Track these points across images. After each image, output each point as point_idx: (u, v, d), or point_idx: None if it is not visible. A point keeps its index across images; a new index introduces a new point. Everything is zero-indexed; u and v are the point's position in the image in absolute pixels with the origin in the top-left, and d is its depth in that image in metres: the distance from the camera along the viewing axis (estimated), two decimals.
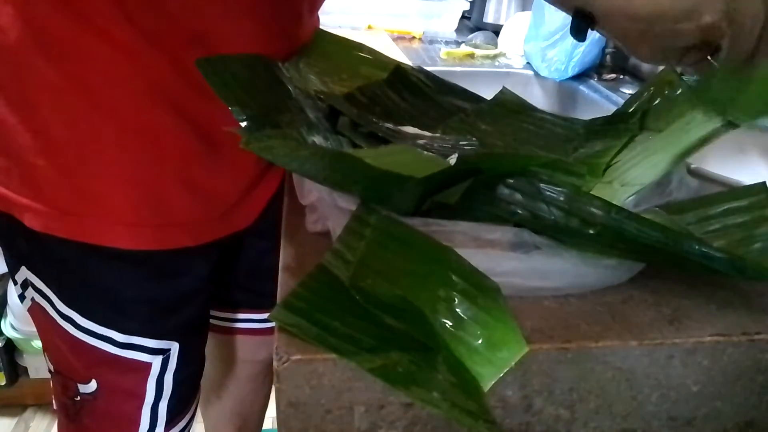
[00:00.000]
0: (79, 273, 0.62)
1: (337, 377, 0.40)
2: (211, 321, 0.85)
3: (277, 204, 0.69)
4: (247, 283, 0.82)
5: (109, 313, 0.64)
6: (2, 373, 1.45)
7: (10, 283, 1.21)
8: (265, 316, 0.85)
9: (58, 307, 0.63)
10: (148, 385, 0.67)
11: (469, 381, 0.37)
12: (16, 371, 1.48)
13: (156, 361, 0.67)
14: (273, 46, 0.60)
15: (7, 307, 1.43)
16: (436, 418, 0.43)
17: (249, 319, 0.85)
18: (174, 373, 0.69)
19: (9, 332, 1.41)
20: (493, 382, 0.37)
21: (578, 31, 0.53)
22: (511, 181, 0.45)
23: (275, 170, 0.68)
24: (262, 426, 1.04)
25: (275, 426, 0.43)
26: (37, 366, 1.44)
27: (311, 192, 0.51)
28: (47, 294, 0.63)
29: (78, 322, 0.63)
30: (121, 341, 0.64)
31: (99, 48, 0.52)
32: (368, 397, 0.41)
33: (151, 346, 0.66)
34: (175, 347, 0.68)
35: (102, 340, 0.64)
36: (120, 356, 0.65)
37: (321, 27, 0.70)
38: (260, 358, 0.91)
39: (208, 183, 0.62)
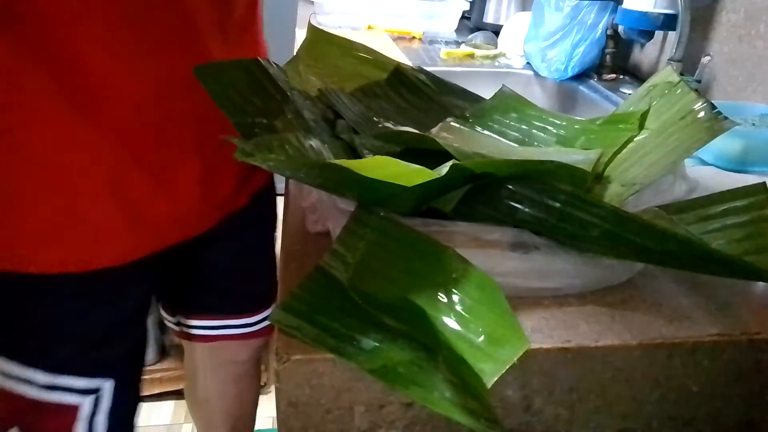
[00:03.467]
0: None
1: (337, 377, 0.40)
2: (189, 330, 0.82)
3: (240, 209, 0.67)
4: (221, 288, 0.79)
5: (30, 350, 0.57)
6: None
7: None
8: (241, 321, 0.82)
9: None
10: (75, 429, 0.60)
11: (470, 380, 0.37)
12: None
13: (86, 402, 0.60)
14: (186, 52, 0.55)
15: None
16: (436, 418, 0.43)
17: (227, 326, 0.82)
18: (108, 413, 0.61)
19: None
20: (495, 379, 0.37)
21: None
22: (510, 186, 0.45)
23: (222, 186, 0.64)
24: (254, 424, 1.03)
25: (275, 426, 0.43)
26: None
27: (311, 193, 0.51)
28: None
29: None
30: (43, 383, 0.57)
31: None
32: (368, 397, 0.41)
33: (79, 385, 0.59)
34: (108, 385, 0.61)
35: (22, 382, 0.57)
36: (43, 400, 0.58)
37: (321, 27, 0.70)
38: (243, 358, 0.88)
39: (135, 196, 0.56)
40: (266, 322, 0.83)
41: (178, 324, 0.84)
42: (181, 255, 0.67)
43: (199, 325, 0.82)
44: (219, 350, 0.86)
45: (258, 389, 0.99)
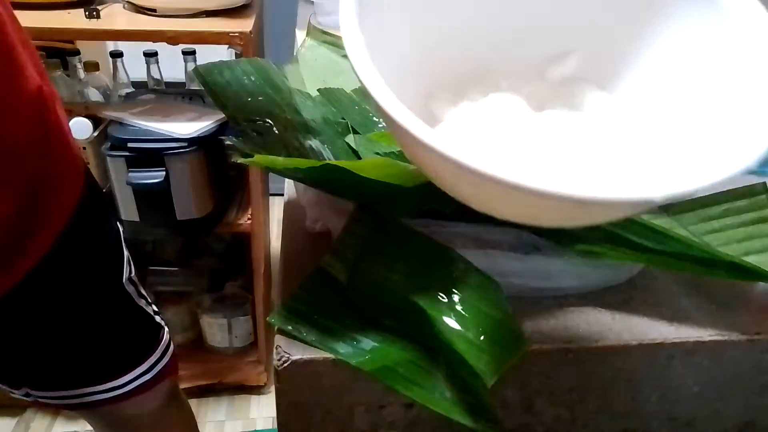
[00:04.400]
0: None
1: (337, 378, 0.40)
2: (45, 401, 0.68)
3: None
4: (55, 364, 0.66)
5: None
6: None
7: None
8: (105, 386, 0.67)
9: None
10: None
11: (470, 380, 0.37)
12: None
13: None
14: None
15: None
16: (436, 419, 0.42)
17: (89, 393, 0.68)
18: None
19: None
20: (495, 379, 0.37)
21: None
22: None
23: None
24: None
25: (275, 426, 0.43)
26: None
27: (311, 193, 0.51)
28: None
29: None
30: None
31: None
32: (368, 397, 0.41)
33: None
34: None
35: None
36: None
37: (321, 27, 0.70)
38: (148, 410, 0.75)
39: None
40: (148, 376, 0.70)
41: (27, 395, 0.68)
42: None
43: (55, 396, 0.67)
44: (105, 414, 0.71)
45: (188, 408, 0.87)
